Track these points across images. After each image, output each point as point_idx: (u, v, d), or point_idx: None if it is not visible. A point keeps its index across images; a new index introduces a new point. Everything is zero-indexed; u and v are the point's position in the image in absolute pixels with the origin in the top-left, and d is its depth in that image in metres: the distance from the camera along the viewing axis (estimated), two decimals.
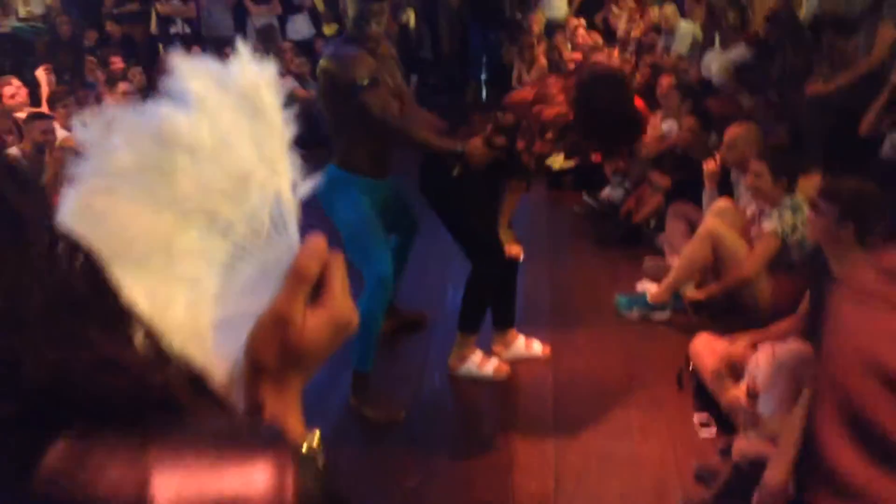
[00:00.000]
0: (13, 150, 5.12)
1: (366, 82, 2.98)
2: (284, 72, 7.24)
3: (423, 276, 4.36)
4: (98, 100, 6.50)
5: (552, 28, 8.84)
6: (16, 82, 5.87)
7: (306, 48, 8.34)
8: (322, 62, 3.17)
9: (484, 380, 3.52)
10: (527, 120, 3.19)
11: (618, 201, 5.45)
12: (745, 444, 2.57)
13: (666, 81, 5.76)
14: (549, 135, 3.22)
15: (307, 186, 0.64)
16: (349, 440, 3.15)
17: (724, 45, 6.60)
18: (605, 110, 3.06)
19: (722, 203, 4.06)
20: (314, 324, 0.60)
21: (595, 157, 6.10)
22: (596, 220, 5.43)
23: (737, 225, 3.97)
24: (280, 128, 0.65)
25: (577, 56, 8.24)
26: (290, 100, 0.67)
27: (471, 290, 3.42)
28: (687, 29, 7.39)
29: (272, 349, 0.59)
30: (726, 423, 2.98)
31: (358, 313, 0.62)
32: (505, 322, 3.67)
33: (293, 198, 0.64)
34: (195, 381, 0.53)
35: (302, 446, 0.55)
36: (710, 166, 4.25)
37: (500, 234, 3.42)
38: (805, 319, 3.08)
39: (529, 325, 3.92)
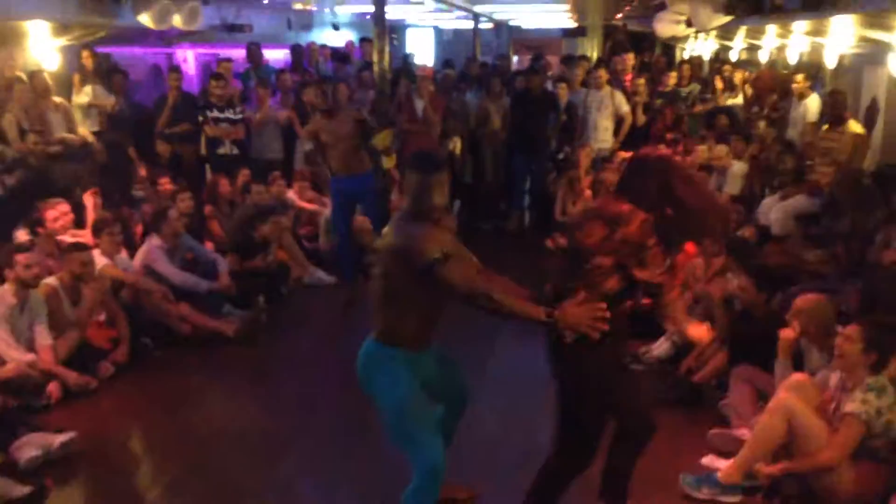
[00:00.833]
0: (51, 280, 5.01)
1: (439, 256, 2.79)
2: None
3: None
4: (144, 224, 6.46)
5: (598, 161, 8.79)
6: (62, 207, 5.83)
7: None
8: (387, 241, 3.00)
9: None
10: (621, 250, 2.93)
11: (665, 357, 5.16)
12: None
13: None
14: (650, 245, 2.95)
15: None
16: None
17: (779, 190, 6.45)
18: (683, 193, 2.90)
19: (798, 377, 3.76)
20: None
21: (645, 301, 5.89)
22: (648, 377, 5.11)
23: (812, 401, 3.66)
24: None
25: None
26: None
27: (548, 481, 3.12)
28: (740, 170, 7.26)
29: None
30: None
31: None
32: None
33: None
34: None
35: None
36: (786, 334, 3.96)
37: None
38: None
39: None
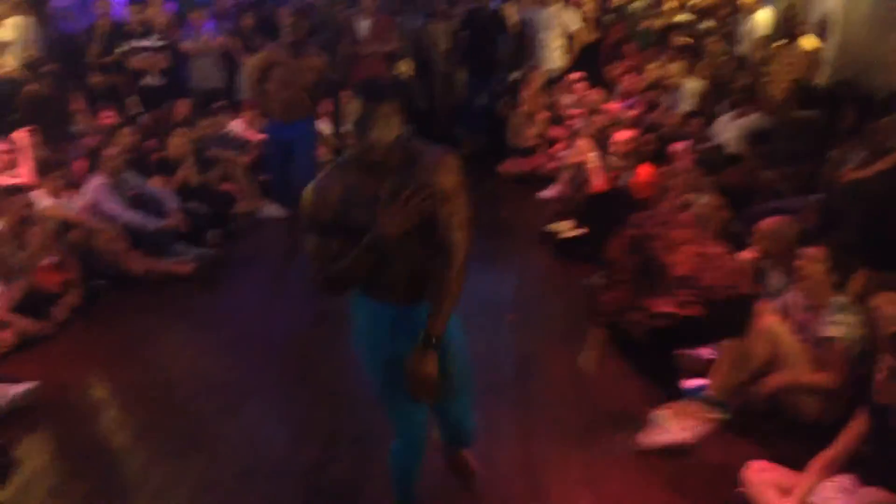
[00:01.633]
0: None
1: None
2: None
3: None
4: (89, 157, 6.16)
5: (550, 82, 8.68)
6: None
7: None
8: None
9: None
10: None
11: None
12: None
13: (682, 149, 5.56)
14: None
15: None
16: None
17: (734, 107, 6.45)
18: None
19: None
20: None
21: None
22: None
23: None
24: None
25: (579, 111, 8.08)
26: None
27: None
28: (693, 88, 7.24)
29: None
30: None
31: None
32: None
33: None
34: None
35: None
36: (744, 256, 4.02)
37: None
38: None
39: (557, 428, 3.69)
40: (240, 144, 7.35)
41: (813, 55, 6.33)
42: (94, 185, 5.69)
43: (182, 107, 7.41)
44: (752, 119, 6.02)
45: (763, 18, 7.58)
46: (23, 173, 5.68)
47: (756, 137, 5.77)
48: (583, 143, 6.98)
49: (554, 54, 8.88)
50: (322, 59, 5.80)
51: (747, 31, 7.75)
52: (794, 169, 5.07)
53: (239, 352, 4.68)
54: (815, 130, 5.27)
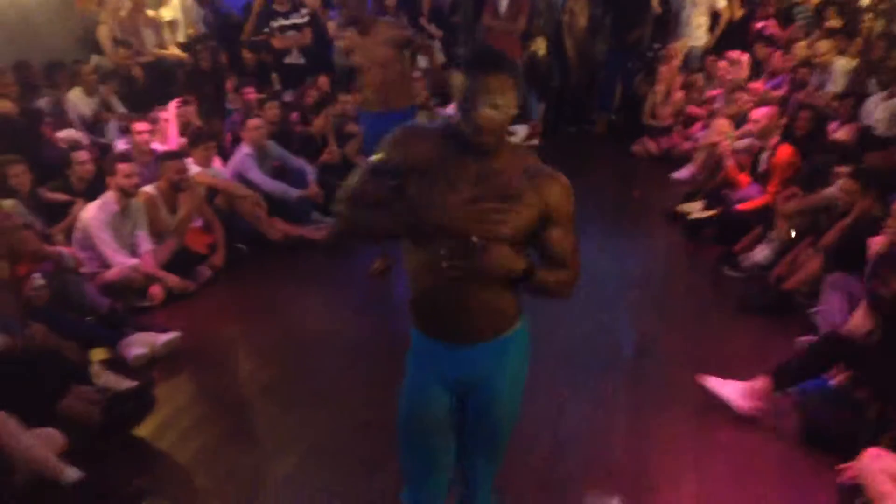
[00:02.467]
0: (148, 188, 5.21)
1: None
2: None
3: None
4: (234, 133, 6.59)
5: (692, 59, 8.42)
6: (142, 126, 5.99)
7: None
8: None
9: None
10: None
11: (767, 263, 5.02)
12: None
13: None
14: None
15: None
16: None
17: (885, 88, 6.06)
18: None
19: None
20: None
21: (740, 207, 5.72)
22: (741, 283, 5.01)
23: None
24: None
25: (718, 92, 7.81)
26: None
27: None
28: (844, 66, 6.84)
29: None
30: None
31: None
32: None
33: None
34: None
35: None
36: (876, 244, 3.80)
37: None
38: None
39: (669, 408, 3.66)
40: None
41: None
42: (241, 155, 6.08)
43: (322, 84, 7.71)
44: None
45: None
46: (168, 139, 6.15)
47: None
48: (721, 123, 6.77)
49: (698, 31, 8.60)
50: (397, 26, 5.13)
51: None
52: None
53: (367, 314, 4.88)
54: None
